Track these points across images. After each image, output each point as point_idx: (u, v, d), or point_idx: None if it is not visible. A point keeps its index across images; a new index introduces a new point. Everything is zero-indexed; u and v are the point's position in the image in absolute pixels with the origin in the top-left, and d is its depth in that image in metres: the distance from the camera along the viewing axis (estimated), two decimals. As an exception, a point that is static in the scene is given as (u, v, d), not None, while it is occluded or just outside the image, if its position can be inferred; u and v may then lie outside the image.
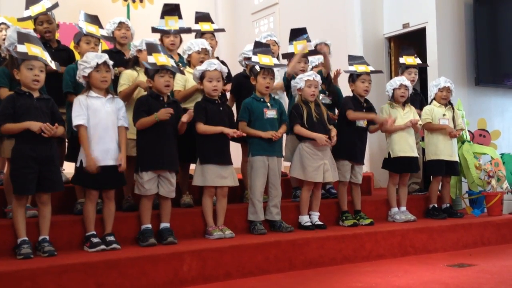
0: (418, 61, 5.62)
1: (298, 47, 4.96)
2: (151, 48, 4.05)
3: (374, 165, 5.71)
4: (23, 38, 3.60)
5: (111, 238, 3.73)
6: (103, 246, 3.63)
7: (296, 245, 4.03)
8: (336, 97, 5.18)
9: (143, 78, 4.28)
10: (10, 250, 3.48)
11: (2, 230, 3.55)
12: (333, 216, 4.85)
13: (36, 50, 3.59)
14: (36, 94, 3.59)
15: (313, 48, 4.97)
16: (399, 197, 5.14)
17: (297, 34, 5.02)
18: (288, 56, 4.97)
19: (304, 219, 4.55)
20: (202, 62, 4.48)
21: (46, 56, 3.64)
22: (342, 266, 4.12)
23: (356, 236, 4.32)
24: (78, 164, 3.75)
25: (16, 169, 3.49)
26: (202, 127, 4.15)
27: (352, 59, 4.99)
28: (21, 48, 3.53)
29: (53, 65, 3.71)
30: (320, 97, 4.90)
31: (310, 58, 5.11)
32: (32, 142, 3.48)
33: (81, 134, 3.70)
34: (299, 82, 4.57)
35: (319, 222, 4.56)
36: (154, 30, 4.88)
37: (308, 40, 4.95)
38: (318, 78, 4.62)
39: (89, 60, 3.75)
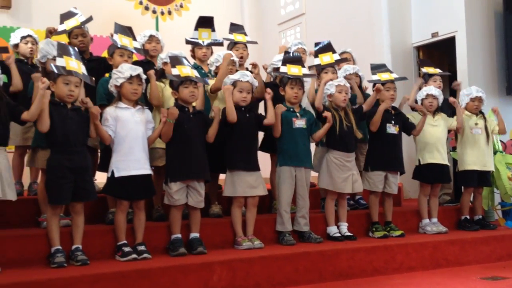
0: (438, 70, 5.60)
1: (324, 58, 4.94)
2: (174, 61, 4.10)
3: (403, 175, 5.62)
4: (62, 50, 3.67)
5: (142, 247, 3.76)
6: (134, 256, 3.66)
7: (326, 256, 4.00)
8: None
9: (169, 89, 4.33)
10: (44, 259, 3.54)
11: (36, 239, 3.61)
12: (362, 227, 4.80)
13: (74, 64, 3.64)
14: (69, 105, 3.66)
15: (338, 57, 4.96)
16: (430, 208, 5.06)
17: (322, 47, 5.03)
18: (314, 67, 4.97)
19: (333, 230, 4.52)
20: (230, 73, 4.52)
21: (83, 70, 3.70)
22: (373, 278, 4.07)
23: (387, 248, 4.27)
24: (109, 174, 3.80)
25: (52, 179, 3.55)
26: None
27: (375, 68, 4.97)
28: (60, 61, 3.59)
29: (87, 79, 3.77)
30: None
31: (345, 66, 5.10)
32: (68, 153, 3.56)
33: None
34: (329, 88, 4.56)
35: (349, 233, 4.52)
36: (188, 41, 4.95)
37: (334, 51, 4.95)
38: (349, 86, 4.61)
39: (123, 71, 3.82)
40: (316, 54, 4.95)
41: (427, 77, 5.58)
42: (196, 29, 4.98)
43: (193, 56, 4.96)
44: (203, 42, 4.88)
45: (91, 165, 3.91)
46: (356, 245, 4.27)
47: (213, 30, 4.99)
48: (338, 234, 4.48)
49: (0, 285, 2.99)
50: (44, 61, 4.01)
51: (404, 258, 4.29)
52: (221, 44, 5.00)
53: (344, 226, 4.57)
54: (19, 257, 3.51)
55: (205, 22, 5.02)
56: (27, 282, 3.08)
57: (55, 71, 3.57)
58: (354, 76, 5.05)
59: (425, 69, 5.59)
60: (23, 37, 4.90)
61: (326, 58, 4.89)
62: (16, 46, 4.92)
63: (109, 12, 7.50)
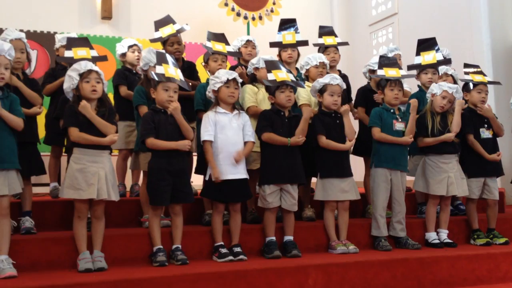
0: None
1: (426, 58, 4.77)
2: (270, 65, 4.15)
3: (505, 179, 5.32)
4: (160, 58, 3.85)
5: (238, 249, 3.83)
6: (231, 257, 3.73)
7: (425, 264, 3.87)
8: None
9: (263, 94, 4.38)
10: (146, 257, 3.70)
11: (139, 239, 3.78)
12: (463, 234, 4.61)
13: (172, 71, 3.80)
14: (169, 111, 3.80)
15: (442, 58, 4.76)
16: (536, 215, 4.77)
17: (425, 44, 4.85)
18: (414, 67, 4.81)
19: (432, 236, 4.37)
20: (320, 76, 4.50)
21: (180, 76, 3.85)
22: (476, 287, 3.89)
23: (490, 256, 4.07)
24: (207, 178, 3.91)
25: (153, 182, 3.71)
26: (325, 141, 4.15)
27: (468, 68, 4.73)
28: (159, 69, 3.76)
29: (184, 85, 3.91)
30: None
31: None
32: (168, 156, 3.70)
33: (206, 148, 3.87)
34: (436, 89, 4.42)
35: (448, 240, 4.35)
36: (272, 44, 4.99)
37: (437, 50, 4.75)
38: (458, 96, 4.42)
39: (220, 76, 3.92)
40: (418, 52, 4.78)
41: None
42: (279, 32, 5.01)
43: (280, 60, 4.99)
44: (287, 44, 4.88)
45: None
46: (456, 252, 4.10)
47: (297, 32, 4.98)
48: (437, 241, 4.33)
49: (107, 282, 3.17)
50: (146, 68, 4.20)
51: (509, 267, 4.06)
52: (306, 43, 4.98)
53: (443, 233, 4.41)
54: (123, 255, 3.69)
55: (288, 24, 5.03)
56: (132, 279, 3.23)
57: (156, 78, 3.74)
58: (444, 76, 4.85)
59: None
60: (130, 46, 5.16)
61: (428, 58, 4.73)
62: (123, 55, 5.19)
63: (202, 19, 7.74)
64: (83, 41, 4.20)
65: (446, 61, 4.84)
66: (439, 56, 4.73)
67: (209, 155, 3.85)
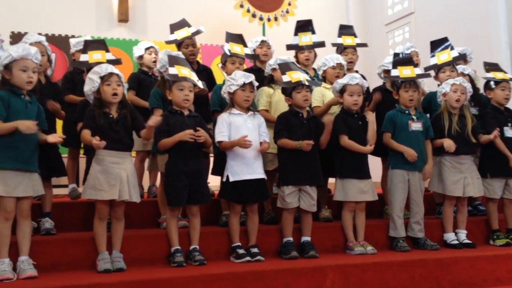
0: None
1: (441, 57, 4.73)
2: (284, 68, 4.14)
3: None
4: (173, 60, 3.88)
5: (255, 250, 3.83)
6: (248, 258, 3.74)
7: (443, 265, 3.84)
8: (482, 107, 4.87)
9: (279, 95, 4.38)
10: (164, 258, 3.73)
11: (157, 239, 3.80)
12: (482, 234, 4.56)
13: (185, 71, 3.84)
14: (186, 112, 3.83)
15: (457, 55, 4.72)
16: (557, 215, 4.68)
17: (438, 45, 4.81)
18: (431, 68, 4.77)
19: (450, 237, 4.33)
20: (337, 77, 4.50)
21: (193, 76, 3.88)
22: (495, 288, 3.86)
23: (510, 257, 4.02)
24: (224, 179, 3.92)
25: (170, 183, 3.73)
26: (347, 141, 4.14)
27: (489, 66, 4.69)
28: (172, 70, 3.79)
29: (200, 84, 3.94)
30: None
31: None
32: (184, 157, 3.72)
33: (224, 147, 3.88)
34: (444, 87, 4.39)
35: (467, 241, 4.31)
36: (289, 47, 4.99)
37: (451, 48, 4.72)
38: (468, 86, 4.39)
39: (237, 78, 3.93)
40: (432, 53, 4.74)
41: None
42: (296, 34, 5.00)
43: (297, 62, 4.99)
44: (304, 45, 4.88)
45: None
46: (476, 253, 4.07)
47: (313, 33, 4.97)
48: (456, 242, 4.29)
49: (126, 282, 3.20)
50: (163, 70, 4.23)
51: (530, 268, 4.01)
52: (322, 45, 4.95)
53: (462, 234, 4.37)
54: (142, 255, 3.72)
55: (304, 26, 5.03)
56: (150, 280, 3.25)
57: (169, 78, 3.77)
58: (461, 75, 4.81)
59: None
60: (146, 48, 5.20)
61: (443, 56, 4.68)
62: (140, 57, 5.23)
63: (218, 21, 7.75)
64: (99, 44, 4.23)
65: (462, 56, 4.79)
66: (453, 54, 4.68)
67: (228, 144, 3.83)
